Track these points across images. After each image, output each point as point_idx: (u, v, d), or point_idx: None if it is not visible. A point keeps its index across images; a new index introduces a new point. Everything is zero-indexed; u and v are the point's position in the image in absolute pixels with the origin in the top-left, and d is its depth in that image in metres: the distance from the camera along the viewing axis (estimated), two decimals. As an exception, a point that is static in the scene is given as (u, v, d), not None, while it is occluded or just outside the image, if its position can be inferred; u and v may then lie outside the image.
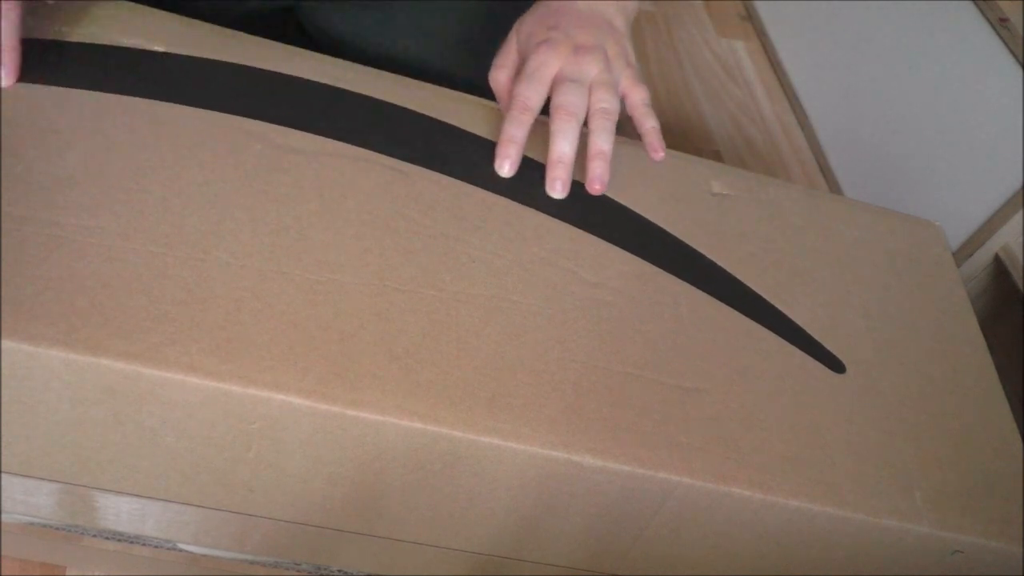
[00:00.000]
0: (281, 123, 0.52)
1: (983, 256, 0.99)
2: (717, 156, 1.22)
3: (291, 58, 0.56)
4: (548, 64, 0.55)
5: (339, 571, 0.55)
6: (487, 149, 0.56)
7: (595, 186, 0.54)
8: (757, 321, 0.53)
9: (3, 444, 0.44)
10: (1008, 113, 0.97)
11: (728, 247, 0.57)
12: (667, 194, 0.59)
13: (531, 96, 0.54)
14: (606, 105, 0.54)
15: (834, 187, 1.22)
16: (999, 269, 0.98)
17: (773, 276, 0.57)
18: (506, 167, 0.54)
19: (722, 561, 0.50)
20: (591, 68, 0.55)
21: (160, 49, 0.53)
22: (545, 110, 0.56)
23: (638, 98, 0.58)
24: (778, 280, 0.56)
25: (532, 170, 0.56)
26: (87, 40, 0.51)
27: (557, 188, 0.54)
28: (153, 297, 0.42)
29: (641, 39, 1.37)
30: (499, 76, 0.58)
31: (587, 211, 0.55)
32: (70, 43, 0.51)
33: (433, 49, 0.67)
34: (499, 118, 0.58)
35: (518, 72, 0.57)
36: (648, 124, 0.58)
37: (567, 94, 0.53)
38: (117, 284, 0.42)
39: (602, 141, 0.54)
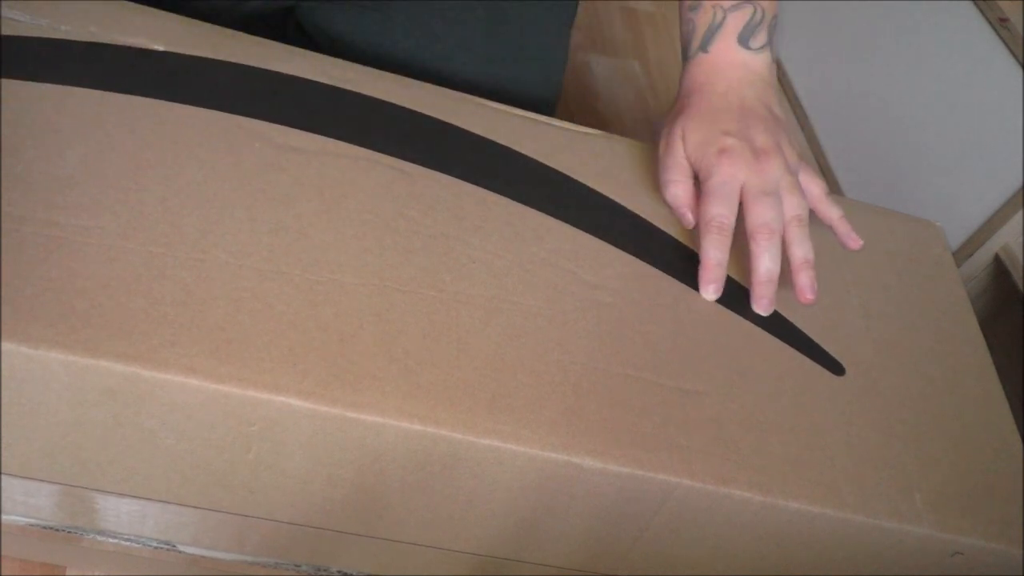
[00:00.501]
0: (281, 122, 0.52)
1: (983, 256, 0.99)
2: (717, 156, 1.22)
3: (291, 58, 0.56)
4: (735, 177, 0.54)
5: (339, 572, 0.55)
6: (487, 148, 0.56)
7: (808, 296, 0.54)
8: (756, 323, 0.53)
9: (3, 446, 0.44)
10: (1008, 113, 0.97)
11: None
12: (667, 195, 0.58)
13: (725, 214, 0.54)
14: (799, 212, 0.54)
15: (834, 187, 1.22)
16: (999, 269, 0.98)
17: (773, 277, 0.56)
18: (712, 291, 0.53)
19: (722, 562, 0.50)
20: (776, 173, 0.54)
21: (160, 48, 0.53)
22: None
23: (818, 191, 0.58)
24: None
25: (532, 171, 0.56)
26: (87, 39, 0.51)
27: (764, 305, 0.54)
28: (152, 298, 0.42)
29: (641, 39, 1.37)
30: (677, 191, 0.56)
31: (587, 211, 0.55)
32: (70, 41, 0.51)
33: (433, 49, 0.67)
34: (499, 118, 0.58)
35: (695, 180, 0.57)
36: (835, 215, 0.58)
37: (764, 211, 0.53)
38: (116, 285, 0.42)
39: (805, 250, 0.54)
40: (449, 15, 0.67)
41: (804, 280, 0.54)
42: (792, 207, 0.54)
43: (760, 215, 0.53)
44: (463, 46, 0.67)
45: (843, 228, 0.58)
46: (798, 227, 0.54)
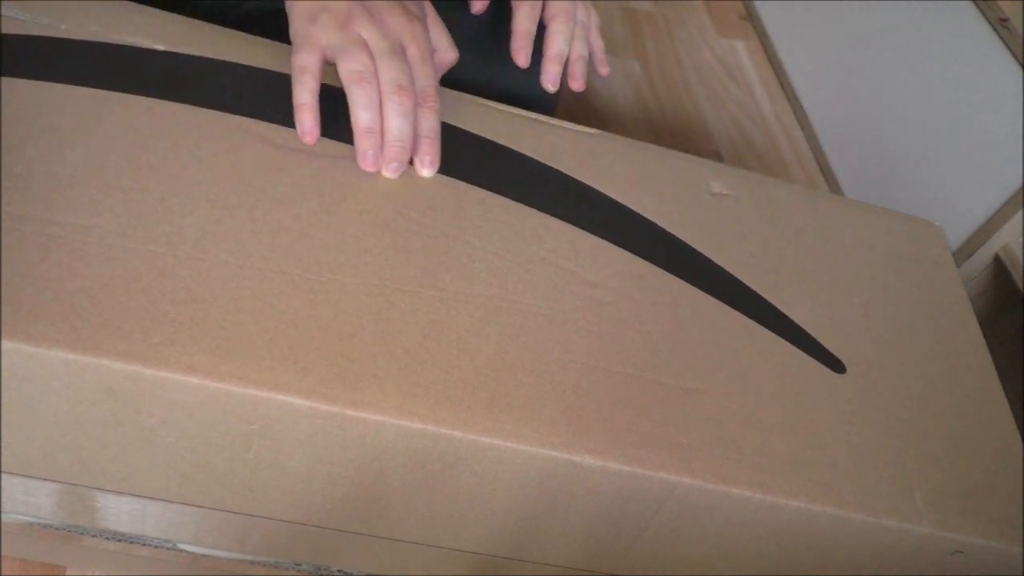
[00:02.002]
0: (281, 123, 0.52)
1: (983, 256, 0.99)
2: (717, 156, 1.22)
3: (291, 58, 0.56)
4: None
5: (339, 571, 0.55)
6: (487, 148, 0.56)
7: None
8: (757, 321, 0.53)
9: (3, 444, 0.44)
10: (1008, 113, 0.97)
11: (728, 247, 0.57)
12: (667, 194, 0.59)
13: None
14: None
15: (834, 187, 1.22)
16: (999, 269, 0.98)
17: (773, 276, 0.57)
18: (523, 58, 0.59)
19: (722, 561, 0.50)
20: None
21: (161, 48, 0.53)
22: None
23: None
24: (778, 280, 0.56)
25: (532, 171, 0.56)
26: (88, 38, 0.51)
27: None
28: (153, 297, 0.42)
29: (641, 39, 1.37)
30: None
31: (587, 211, 0.55)
32: (70, 40, 0.51)
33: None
34: (499, 118, 0.58)
35: None
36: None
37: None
38: (117, 284, 0.42)
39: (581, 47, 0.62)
40: (450, 17, 0.67)
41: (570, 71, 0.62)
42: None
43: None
44: (464, 48, 0.68)
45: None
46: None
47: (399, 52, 0.51)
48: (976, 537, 0.48)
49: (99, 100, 0.49)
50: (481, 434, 0.43)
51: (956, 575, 0.50)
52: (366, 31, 0.51)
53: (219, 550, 0.53)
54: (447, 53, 0.57)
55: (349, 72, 0.50)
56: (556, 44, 0.60)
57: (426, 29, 0.53)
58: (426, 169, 0.53)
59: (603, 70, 0.64)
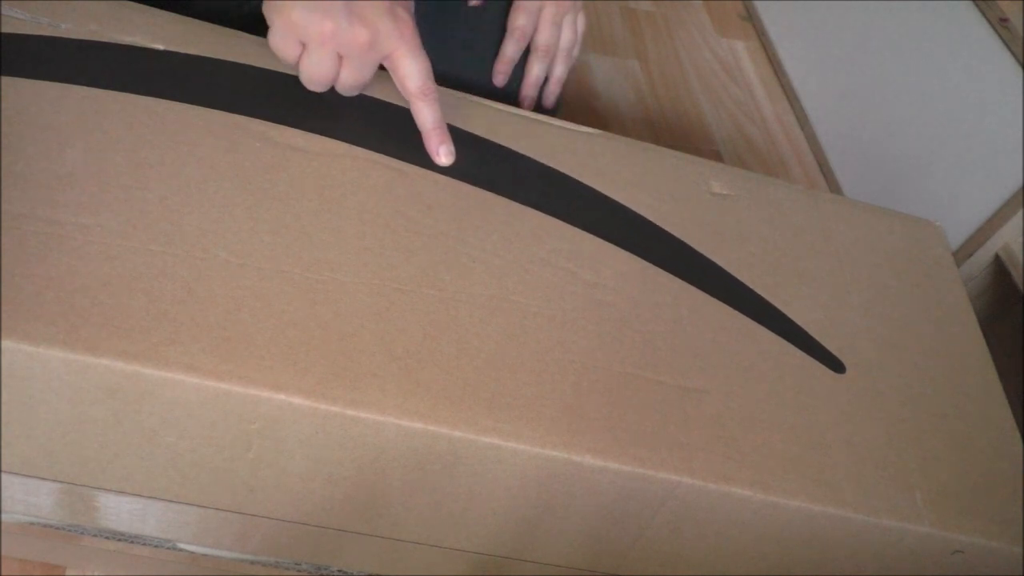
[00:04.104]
0: (281, 122, 0.52)
1: (983, 256, 0.99)
2: (717, 156, 1.22)
3: (291, 57, 0.56)
4: None
5: (339, 571, 0.55)
6: (488, 149, 0.56)
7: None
8: (757, 321, 0.53)
9: (3, 444, 0.44)
10: (1008, 113, 0.97)
11: (728, 247, 0.57)
12: (667, 194, 0.59)
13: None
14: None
15: (834, 187, 1.22)
16: (999, 269, 0.98)
17: (773, 276, 0.56)
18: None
19: (722, 561, 0.50)
20: None
21: (160, 47, 0.53)
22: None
23: None
24: (778, 280, 0.56)
25: (532, 171, 0.56)
26: (87, 37, 0.51)
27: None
28: (153, 296, 0.42)
29: (641, 39, 1.37)
30: None
31: (587, 211, 0.55)
32: (70, 40, 0.51)
33: (438, 56, 0.67)
34: (499, 118, 0.58)
35: None
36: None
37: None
38: (117, 283, 0.42)
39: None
40: (453, 19, 0.67)
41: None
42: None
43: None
44: (470, 52, 0.68)
45: None
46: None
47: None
48: (976, 537, 0.48)
49: (99, 99, 0.49)
50: (481, 434, 0.43)
51: (956, 575, 0.50)
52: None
53: (219, 550, 0.53)
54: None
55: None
56: (532, 72, 0.68)
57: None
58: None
59: (546, 102, 0.71)
